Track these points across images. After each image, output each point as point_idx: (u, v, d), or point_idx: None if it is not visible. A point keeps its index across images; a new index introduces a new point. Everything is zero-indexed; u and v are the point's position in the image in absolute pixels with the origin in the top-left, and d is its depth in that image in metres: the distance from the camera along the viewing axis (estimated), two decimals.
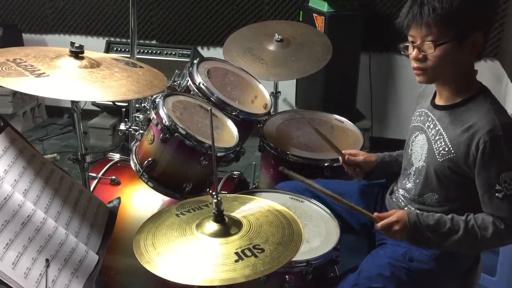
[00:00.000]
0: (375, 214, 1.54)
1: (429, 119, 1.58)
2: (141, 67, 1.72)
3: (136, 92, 1.52)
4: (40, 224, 1.22)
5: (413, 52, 1.48)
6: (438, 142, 1.52)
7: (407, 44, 1.50)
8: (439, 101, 1.57)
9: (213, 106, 1.92)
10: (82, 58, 1.57)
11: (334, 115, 2.42)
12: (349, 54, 3.32)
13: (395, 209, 1.62)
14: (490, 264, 2.18)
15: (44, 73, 1.45)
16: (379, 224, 1.50)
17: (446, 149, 1.49)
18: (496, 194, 1.42)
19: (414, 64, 1.49)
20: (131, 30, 2.35)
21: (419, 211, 1.56)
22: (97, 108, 3.96)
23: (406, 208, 1.63)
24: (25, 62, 1.50)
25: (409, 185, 1.65)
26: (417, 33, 1.44)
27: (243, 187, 2.18)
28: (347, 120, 2.40)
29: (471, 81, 1.52)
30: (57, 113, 4.39)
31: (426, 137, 1.58)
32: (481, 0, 1.43)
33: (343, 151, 1.83)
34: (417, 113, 1.68)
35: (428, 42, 1.43)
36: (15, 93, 3.98)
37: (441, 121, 1.54)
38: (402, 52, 1.52)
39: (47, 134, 4.07)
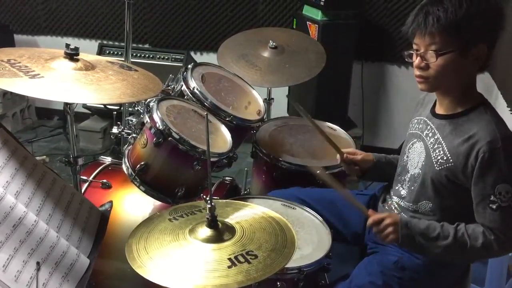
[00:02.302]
0: (369, 210, 1.55)
1: (428, 127, 1.59)
2: (136, 70, 1.72)
3: (131, 95, 1.51)
4: (32, 227, 1.21)
5: (416, 60, 1.49)
6: (437, 151, 1.53)
7: (411, 52, 1.51)
8: (439, 110, 1.58)
9: (207, 111, 1.92)
10: (77, 60, 1.56)
11: (327, 123, 2.42)
12: (342, 63, 3.33)
13: None
14: (479, 274, 2.19)
15: (38, 74, 1.44)
16: (371, 218, 1.51)
17: (445, 158, 1.50)
18: (490, 205, 1.42)
19: (417, 72, 1.50)
20: (126, 33, 2.34)
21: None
22: (87, 111, 3.93)
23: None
24: (19, 63, 1.48)
25: (403, 192, 1.66)
26: (421, 42, 1.46)
27: (235, 192, 2.18)
28: (339, 128, 2.40)
29: (472, 92, 1.53)
30: (47, 115, 4.36)
31: (424, 145, 1.58)
32: (487, 13, 1.43)
33: (341, 150, 1.84)
34: (415, 120, 1.68)
35: (431, 51, 1.44)
36: (5, 94, 3.95)
37: (440, 130, 1.55)
38: (406, 59, 1.53)
39: (37, 136, 4.03)
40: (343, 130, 2.40)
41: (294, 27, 3.53)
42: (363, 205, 1.63)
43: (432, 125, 1.58)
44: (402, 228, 1.49)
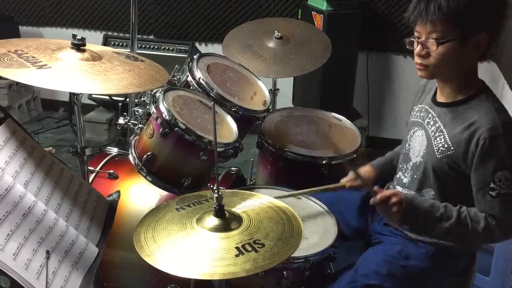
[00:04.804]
0: (375, 187, 1.54)
1: (429, 115, 1.59)
2: (142, 61, 1.72)
3: (137, 86, 1.51)
4: (41, 216, 1.22)
5: (417, 48, 1.49)
6: (438, 139, 1.53)
7: (412, 39, 1.51)
8: (440, 98, 1.58)
9: (213, 102, 1.92)
10: (84, 50, 1.56)
11: (333, 113, 2.42)
12: (347, 53, 3.33)
13: None
14: (484, 264, 2.20)
15: (46, 64, 1.44)
16: (379, 196, 1.50)
17: (446, 146, 1.50)
18: (490, 192, 1.43)
19: (417, 60, 1.50)
20: (131, 24, 2.34)
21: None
22: (93, 102, 3.95)
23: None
24: (27, 53, 1.49)
25: (405, 180, 1.66)
26: (422, 30, 1.45)
27: (240, 183, 2.19)
28: (345, 119, 2.40)
29: (473, 79, 1.53)
30: (52, 107, 4.37)
31: (426, 133, 1.59)
32: (488, 1, 1.43)
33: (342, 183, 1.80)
34: (417, 108, 1.68)
35: (432, 40, 1.43)
36: (11, 85, 3.96)
37: (441, 118, 1.55)
38: (407, 47, 1.53)
39: (43, 128, 4.05)
40: (348, 121, 2.39)
41: (299, 17, 3.52)
42: (361, 213, 1.63)
43: (433, 113, 1.58)
44: (407, 206, 1.49)
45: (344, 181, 1.79)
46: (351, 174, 1.77)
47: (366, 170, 1.82)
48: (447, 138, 1.51)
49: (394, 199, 1.49)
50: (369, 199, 1.80)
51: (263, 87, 2.25)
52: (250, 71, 2.28)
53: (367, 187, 1.68)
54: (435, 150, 1.53)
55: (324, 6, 3.22)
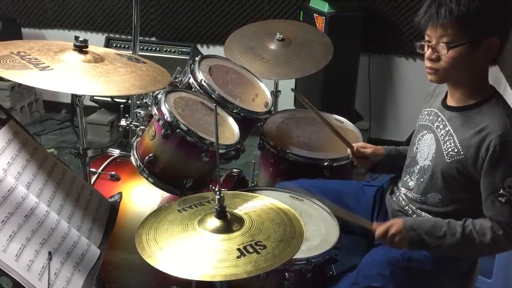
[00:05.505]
0: (374, 224, 1.57)
1: (439, 119, 1.59)
2: (144, 62, 1.72)
3: (139, 87, 1.52)
4: (43, 217, 1.22)
5: (427, 52, 1.48)
6: (448, 143, 1.52)
7: (423, 43, 1.50)
8: (450, 102, 1.58)
9: (215, 103, 1.92)
10: (86, 52, 1.57)
11: (334, 115, 2.42)
12: (348, 55, 3.32)
13: (395, 208, 1.66)
14: (486, 266, 2.19)
15: (48, 66, 1.45)
16: (377, 233, 1.54)
17: (456, 150, 1.50)
18: (499, 198, 1.42)
19: (428, 64, 1.50)
20: (133, 26, 2.35)
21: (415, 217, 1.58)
22: (95, 104, 3.95)
23: (402, 218, 1.63)
24: (29, 55, 1.49)
25: (411, 183, 1.66)
26: (433, 33, 1.45)
27: (242, 185, 2.19)
28: (347, 121, 2.40)
29: (484, 84, 1.52)
30: (54, 108, 4.38)
31: (435, 136, 1.58)
32: (499, 5, 1.42)
33: (352, 144, 1.84)
34: (426, 112, 1.68)
35: (442, 44, 1.43)
36: (13, 87, 3.97)
37: (451, 122, 1.54)
38: (418, 50, 1.52)
39: (45, 129, 4.05)
40: (350, 123, 2.40)
41: (301, 19, 3.52)
42: (365, 219, 1.66)
43: (443, 117, 1.58)
44: (408, 231, 1.50)
45: (355, 145, 1.83)
46: (361, 143, 1.83)
47: (376, 146, 1.85)
48: (457, 142, 1.50)
49: (392, 230, 1.51)
50: (382, 196, 1.83)
51: (265, 89, 2.26)
52: (252, 73, 2.28)
53: (374, 157, 1.80)
54: (445, 155, 1.52)
55: (325, 8, 3.21)
